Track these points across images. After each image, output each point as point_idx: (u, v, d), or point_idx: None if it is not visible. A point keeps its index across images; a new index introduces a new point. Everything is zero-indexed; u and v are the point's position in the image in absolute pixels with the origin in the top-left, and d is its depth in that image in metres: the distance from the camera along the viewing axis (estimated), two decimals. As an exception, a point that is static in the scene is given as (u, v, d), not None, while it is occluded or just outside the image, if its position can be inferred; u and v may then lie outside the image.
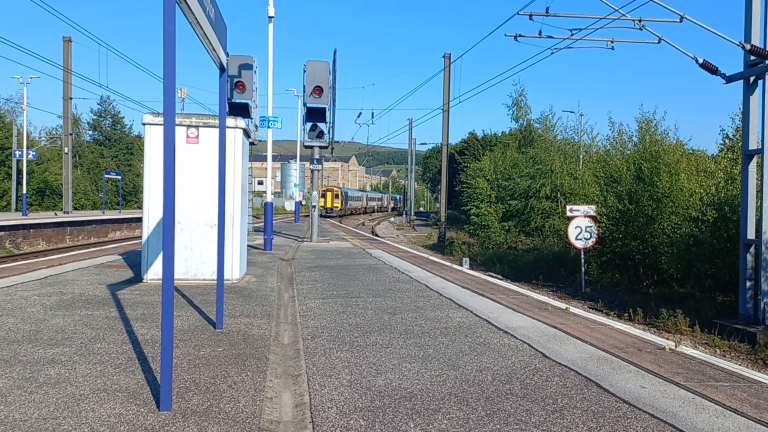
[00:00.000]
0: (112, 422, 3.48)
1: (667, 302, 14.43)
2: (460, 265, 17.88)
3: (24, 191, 35.89)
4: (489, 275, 15.17)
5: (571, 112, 44.54)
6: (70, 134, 36.99)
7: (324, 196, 64.76)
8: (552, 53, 18.77)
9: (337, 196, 69.63)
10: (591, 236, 16.92)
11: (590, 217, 17.13)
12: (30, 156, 36.46)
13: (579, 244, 17.06)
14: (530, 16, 16.81)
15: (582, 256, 17.46)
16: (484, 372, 4.75)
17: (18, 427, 3.36)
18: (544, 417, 3.78)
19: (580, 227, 16.97)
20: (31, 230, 26.93)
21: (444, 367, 4.85)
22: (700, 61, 12.32)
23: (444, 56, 35.61)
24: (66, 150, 36.28)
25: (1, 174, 45.02)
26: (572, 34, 17.94)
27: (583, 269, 17.52)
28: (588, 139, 31.75)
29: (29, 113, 40.58)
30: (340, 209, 68.08)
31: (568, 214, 17.43)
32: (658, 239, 17.49)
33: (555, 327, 6.65)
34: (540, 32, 17.52)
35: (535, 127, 36.16)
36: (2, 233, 24.52)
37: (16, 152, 37.21)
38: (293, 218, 43.85)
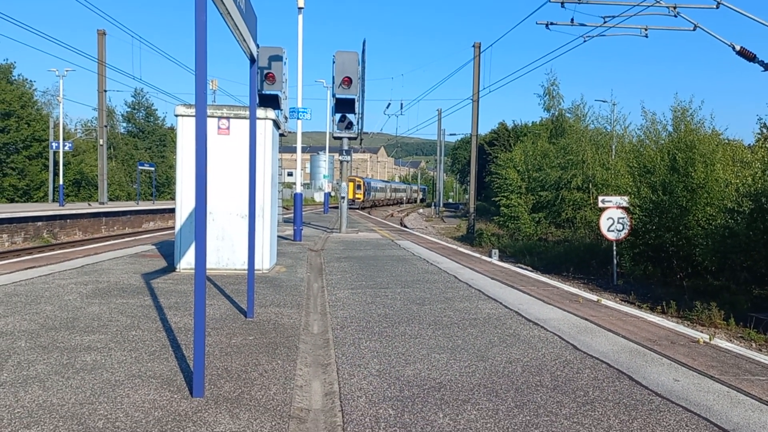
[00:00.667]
0: (146, 408, 3.55)
1: (701, 295, 14.18)
2: (489, 256, 17.79)
3: (60, 182, 36.71)
4: (519, 267, 15.06)
5: (604, 101, 43.75)
6: (105, 126, 37.67)
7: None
8: (584, 41, 18.51)
9: (359, 187, 66.52)
10: (623, 228, 16.67)
11: (623, 208, 16.87)
12: (66, 148, 37.26)
13: (611, 236, 16.83)
14: (562, 3, 16.57)
15: (614, 247, 17.23)
16: (514, 363, 4.73)
17: (55, 411, 3.45)
18: (575, 409, 3.75)
19: (613, 218, 16.73)
20: (68, 220, 27.57)
21: (473, 358, 4.84)
22: (737, 48, 12.01)
23: (474, 46, 35.29)
24: (101, 142, 36.98)
25: (39, 165, 46.13)
26: (605, 22, 17.65)
27: (615, 261, 17.29)
28: (621, 129, 31.23)
29: (65, 105, 41.47)
30: (363, 201, 65.43)
31: (600, 205, 17.19)
32: (693, 231, 17.16)
33: (586, 319, 6.58)
34: (572, 20, 17.27)
35: (567, 117, 35.70)
36: (40, 223, 25.15)
37: (53, 144, 38.08)
38: (322, 209, 44.09)
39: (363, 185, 66.92)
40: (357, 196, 64.69)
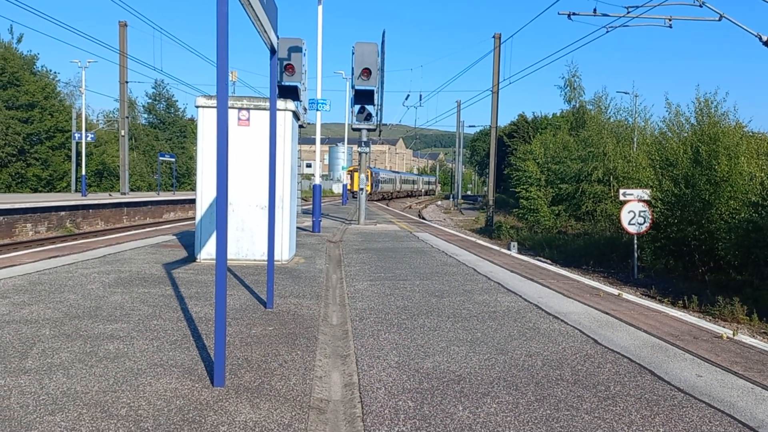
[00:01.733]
0: (168, 396, 3.59)
1: (723, 290, 13.99)
2: (508, 249, 17.70)
3: (83, 173, 37.16)
4: (538, 260, 14.98)
5: (626, 93, 43.30)
6: (127, 117, 38.04)
7: (351, 177, 57.33)
8: (607, 32, 18.30)
9: (368, 178, 65.12)
10: (645, 221, 16.48)
11: (644, 201, 16.67)
12: (88, 138, 37.68)
13: (632, 229, 16.65)
14: (584, -6, 16.34)
15: (635, 241, 17.05)
16: (534, 357, 4.70)
17: (79, 399, 3.50)
18: (596, 404, 3.72)
19: (634, 212, 16.54)
20: (90, 210, 27.92)
21: (493, 351, 4.82)
22: (765, 38, 11.77)
23: (494, 37, 35.01)
24: (122, 133, 37.36)
25: (62, 156, 46.72)
26: (628, 12, 17.42)
27: (635, 255, 17.11)
28: (642, 122, 30.83)
29: (87, 97, 41.91)
30: (370, 193, 62.26)
31: (621, 198, 17.00)
32: (715, 225, 16.92)
33: (607, 313, 6.52)
34: (595, 10, 17.07)
35: (588, 108, 35.32)
36: (63, 213, 25.50)
37: (75, 135, 38.53)
38: (341, 201, 44.16)
39: (370, 176, 61.92)
40: (366, 187, 62.84)
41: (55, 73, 59.11)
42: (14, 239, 21.72)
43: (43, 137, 46.04)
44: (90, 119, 52.53)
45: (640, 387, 4.07)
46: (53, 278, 7.50)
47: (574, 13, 17.76)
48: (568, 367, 4.48)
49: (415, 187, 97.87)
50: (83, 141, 36.97)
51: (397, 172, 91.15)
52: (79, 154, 39.42)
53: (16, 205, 22.46)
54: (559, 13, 18.41)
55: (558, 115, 49.50)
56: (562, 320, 6.08)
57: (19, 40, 48.22)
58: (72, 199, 29.28)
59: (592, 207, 28.32)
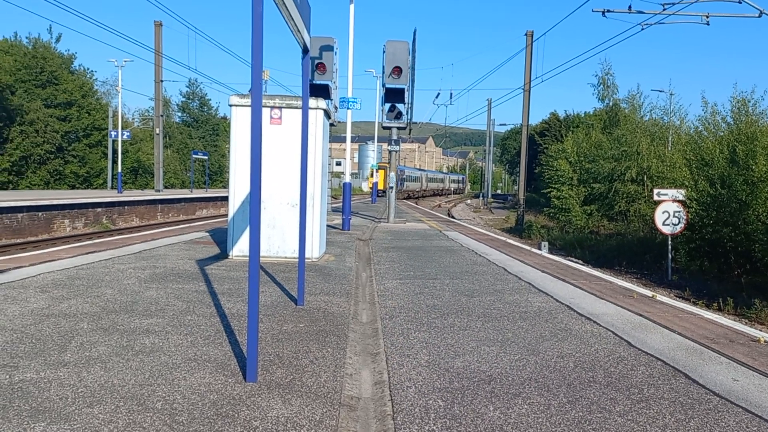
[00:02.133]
0: (202, 391, 3.65)
1: (760, 292, 13.67)
2: (539, 249, 17.54)
3: (119, 170, 37.95)
4: (569, 260, 14.82)
5: (661, 91, 42.39)
6: (161, 116, 38.72)
7: (373, 176, 53.67)
8: (642, 29, 18.00)
9: (394, 176, 61.06)
10: (679, 222, 16.18)
11: (679, 201, 16.36)
12: (124, 137, 38.44)
13: (666, 230, 16.36)
14: (619, -10, 16.10)
15: (669, 242, 16.75)
16: (566, 358, 4.66)
17: (116, 392, 3.58)
18: (629, 406, 3.68)
19: (668, 212, 16.25)
20: (126, 207, 28.48)
21: (524, 352, 4.79)
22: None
23: (526, 34, 34.72)
24: (157, 131, 38.03)
25: (98, 153, 47.75)
26: (664, 9, 17.11)
27: (669, 256, 16.81)
28: (677, 120, 30.22)
29: (123, 95, 42.73)
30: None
31: (656, 198, 16.72)
32: (752, 226, 16.51)
33: (640, 315, 6.43)
34: (630, 7, 16.81)
35: (622, 107, 34.75)
36: (99, 209, 26.07)
37: (112, 133, 39.36)
38: (370, 199, 44.26)
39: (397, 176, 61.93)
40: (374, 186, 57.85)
41: (92, 72, 60.40)
42: (52, 234, 22.28)
43: (80, 135, 47.12)
44: (126, 117, 53.57)
45: (674, 390, 4.01)
46: (91, 273, 7.68)
47: (608, 10, 17.51)
48: (601, 369, 4.43)
49: (442, 185, 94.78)
50: (119, 139, 37.73)
51: (424, 170, 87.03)
52: (115, 151, 40.24)
53: (54, 202, 23.03)
54: (593, 11, 18.18)
55: (591, 113, 48.81)
56: (594, 322, 6.01)
57: (57, 40, 49.38)
58: (108, 196, 29.90)
59: (625, 207, 27.88)
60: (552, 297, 7.30)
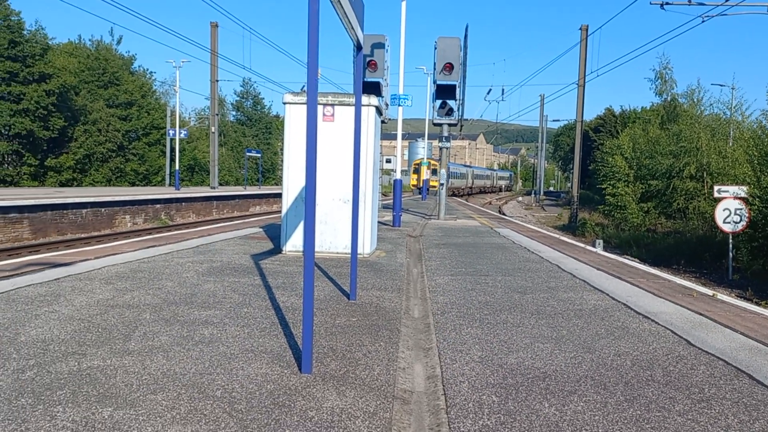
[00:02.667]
0: (259, 381, 3.74)
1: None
2: (593, 246, 17.18)
3: (176, 168, 39.05)
4: (625, 258, 14.45)
5: (722, 85, 40.99)
6: (217, 115, 39.64)
7: (417, 171, 51.52)
8: (703, 21, 17.39)
9: (434, 172, 52.65)
10: (741, 219, 15.58)
11: (740, 198, 15.75)
12: (182, 135, 39.56)
13: (727, 228, 15.78)
14: (679, -20, 15.61)
15: (730, 240, 16.15)
16: (623, 357, 4.57)
17: (178, 380, 3.71)
18: (689, 406, 3.58)
19: (729, 209, 15.67)
20: (183, 204, 29.31)
21: (579, 350, 4.72)
22: None
23: (580, 29, 34.02)
24: (213, 129, 38.97)
25: (157, 151, 49.28)
26: (727, 0, 16.46)
27: (730, 255, 16.21)
28: (740, 115, 29.03)
29: (180, 95, 43.92)
30: (436, 190, 53.65)
31: (716, 195, 16.14)
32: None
33: (700, 314, 6.23)
34: (690, -2, 16.23)
35: (680, 102, 33.66)
36: (158, 206, 26.90)
37: (170, 131, 40.54)
38: (420, 196, 44.19)
39: (439, 170, 56.25)
40: (432, 182, 50.59)
41: (151, 72, 62.35)
42: (114, 230, 23.13)
43: (140, 134, 48.72)
44: (183, 116, 55.09)
45: (737, 391, 3.89)
46: (152, 266, 7.95)
47: (667, 3, 17.00)
48: (659, 367, 4.33)
49: (490, 182, 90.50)
50: (177, 137, 38.83)
51: (469, 166, 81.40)
52: (172, 150, 41.45)
53: (116, 198, 23.89)
54: (651, 3, 17.67)
55: (648, 108, 47.43)
56: (652, 320, 5.86)
57: (118, 42, 51.17)
58: (166, 192, 30.82)
59: (683, 204, 26.99)
60: (608, 295, 7.15)
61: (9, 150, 37.83)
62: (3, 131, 37.79)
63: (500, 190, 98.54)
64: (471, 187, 72.36)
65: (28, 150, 38.78)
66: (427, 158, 54.01)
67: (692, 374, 4.20)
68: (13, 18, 37.50)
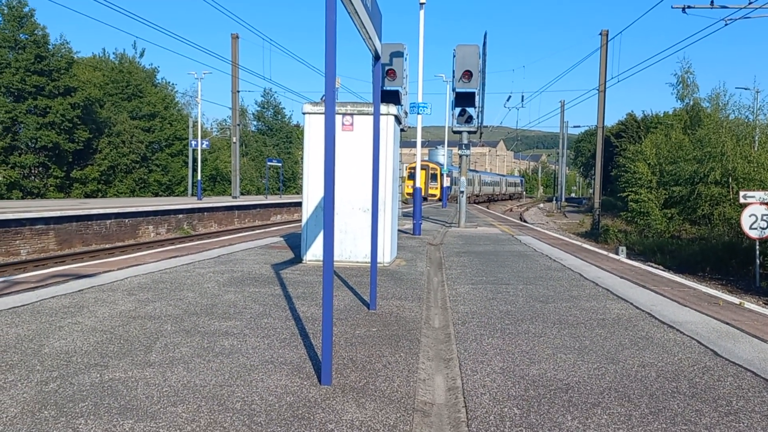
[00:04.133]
0: (279, 393, 3.74)
1: None
2: (616, 254, 16.96)
3: (199, 178, 39.46)
4: (649, 265, 14.25)
5: (746, 89, 40.13)
6: (238, 125, 40.00)
7: (412, 178, 41.93)
8: (726, 24, 17.16)
9: (434, 178, 47.93)
10: (769, 225, 15.27)
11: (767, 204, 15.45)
12: (203, 146, 39.97)
13: (754, 234, 15.48)
14: (701, -16, 15.43)
15: (757, 247, 15.83)
16: (647, 368, 4.48)
17: (198, 392, 3.72)
18: (717, 419, 3.50)
19: (756, 215, 15.37)
20: (205, 213, 29.56)
21: (602, 360, 4.64)
22: None
23: (600, 34, 33.78)
24: (234, 140, 39.30)
25: (179, 162, 49.88)
26: (750, 3, 16.24)
27: (757, 262, 15.88)
28: (765, 118, 28.52)
29: (202, 106, 44.45)
30: (438, 198, 46.63)
31: (742, 200, 15.85)
32: None
33: (727, 323, 6.10)
34: (712, 2, 16.07)
35: (704, 106, 33.17)
36: (181, 216, 27.17)
37: (192, 142, 41.03)
38: (440, 204, 44.09)
39: (439, 176, 46.62)
40: (431, 190, 46.61)
41: (173, 84, 63.15)
42: (138, 240, 23.40)
43: (163, 145, 49.38)
44: (205, 127, 55.73)
45: (766, 403, 3.78)
46: (173, 277, 8.01)
47: (689, 6, 16.81)
48: (685, 379, 4.24)
49: (498, 189, 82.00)
50: (199, 148, 39.25)
51: (476, 171, 71.74)
52: (195, 160, 41.92)
53: (140, 209, 24.17)
54: (672, 7, 17.50)
55: (670, 113, 46.84)
56: (677, 330, 5.75)
57: (141, 55, 52.05)
58: (188, 202, 31.12)
59: (708, 210, 26.55)
60: (631, 304, 7.04)
61: (35, 162, 38.53)
62: (30, 144, 38.54)
63: (509, 197, 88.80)
64: (477, 195, 64.97)
65: (54, 162, 39.46)
66: (428, 161, 48.76)
67: (719, 386, 4.11)
68: (38, 33, 38.29)
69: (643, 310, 6.66)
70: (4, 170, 36.72)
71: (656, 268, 14.61)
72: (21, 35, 37.75)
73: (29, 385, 3.76)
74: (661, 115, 53.13)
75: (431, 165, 49.36)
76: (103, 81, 46.65)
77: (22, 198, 36.77)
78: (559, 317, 6.20)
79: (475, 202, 61.32)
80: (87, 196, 41.61)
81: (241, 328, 5.30)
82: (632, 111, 67.58)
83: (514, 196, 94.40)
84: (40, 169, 39.63)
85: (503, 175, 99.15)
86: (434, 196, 46.33)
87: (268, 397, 3.66)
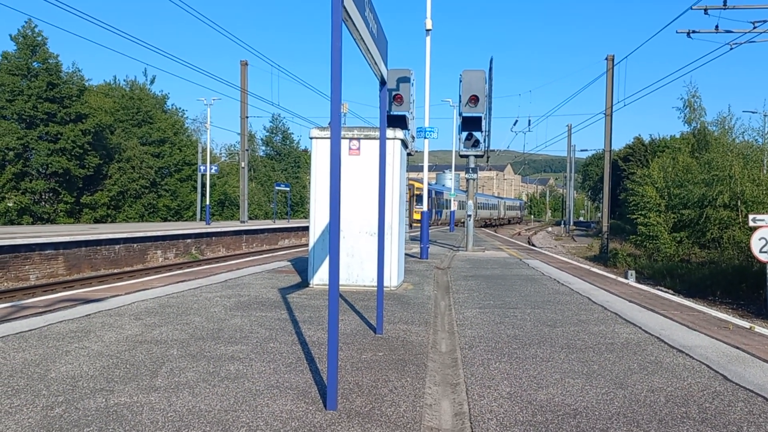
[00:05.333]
0: (284, 418, 3.72)
1: None
2: (626, 278, 16.86)
3: (207, 203, 39.68)
4: (658, 289, 14.15)
5: (753, 112, 40.26)
6: (247, 150, 40.27)
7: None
8: (731, 49, 17.24)
9: (419, 199, 39.64)
10: (780, 248, 15.13)
11: (778, 227, 15.33)
12: (212, 171, 40.28)
13: (764, 258, 15.34)
14: (705, 10, 15.58)
15: (767, 271, 15.69)
16: (656, 393, 4.43)
17: (203, 417, 3.70)
18: (728, 446, 3.44)
19: (765, 239, 15.25)
20: (213, 238, 29.65)
21: (611, 385, 4.60)
22: None
23: (606, 58, 33.98)
24: (243, 165, 39.55)
25: (188, 187, 50.22)
26: (755, 27, 16.35)
27: (769, 285, 15.73)
28: (772, 142, 28.49)
29: (211, 131, 44.86)
30: (432, 222, 41.81)
31: (751, 224, 15.76)
32: None
33: (737, 347, 6.04)
34: (717, 27, 16.18)
35: (710, 130, 33.18)
36: (189, 240, 27.26)
37: (201, 167, 41.34)
38: (448, 227, 44.05)
39: (430, 199, 39.57)
40: (415, 215, 39.70)
41: (183, 110, 63.94)
42: (146, 264, 23.46)
43: (172, 170, 49.79)
44: (214, 152, 56.19)
45: (779, 430, 3.73)
46: (180, 301, 8.02)
47: (694, 31, 16.93)
48: (695, 404, 4.18)
49: (495, 213, 74.54)
50: (208, 173, 39.55)
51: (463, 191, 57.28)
52: (203, 185, 42.16)
53: (148, 233, 24.29)
54: (677, 32, 17.62)
55: (677, 137, 46.87)
56: (686, 354, 5.69)
57: (152, 82, 52.72)
58: (197, 227, 31.24)
59: (717, 234, 26.38)
60: (640, 328, 6.98)
61: (46, 188, 38.90)
62: (41, 170, 38.95)
63: (508, 222, 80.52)
64: (475, 219, 55.80)
65: (64, 188, 39.83)
66: (414, 179, 40.11)
67: (729, 411, 4.05)
68: (51, 61, 38.94)
69: (652, 335, 6.60)
70: (15, 196, 37.07)
71: (666, 292, 14.50)
72: (34, 63, 38.41)
73: (35, 410, 3.76)
74: (669, 138, 53.22)
75: (416, 184, 40.21)
76: (113, 107, 47.28)
77: (33, 223, 37.05)
78: (567, 341, 6.15)
79: (476, 227, 52.66)
80: (97, 221, 41.89)
81: (247, 353, 5.28)
82: (639, 134, 67.77)
83: (513, 221, 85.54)
84: (51, 194, 40.00)
85: (501, 198, 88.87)
86: (417, 222, 35.59)
87: (273, 422, 3.64)
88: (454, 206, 49.26)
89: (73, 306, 7.55)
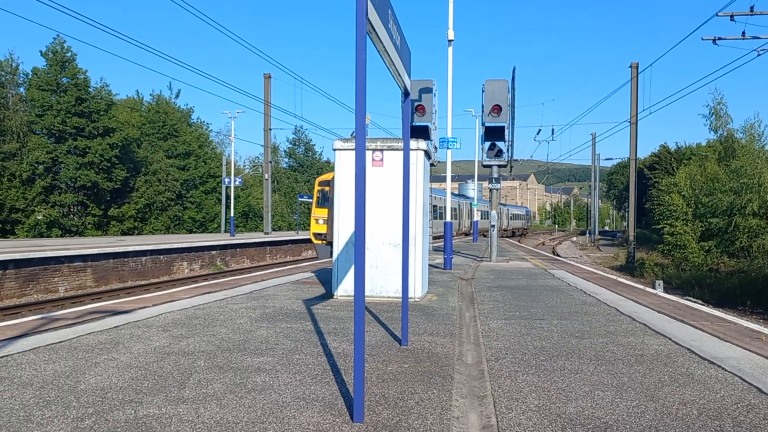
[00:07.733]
0: (311, 430, 3.71)
1: None
2: (653, 288, 16.59)
3: (231, 214, 40.05)
4: (687, 300, 13.89)
5: (783, 117, 39.52)
6: (270, 162, 40.63)
7: (322, 204, 26.66)
8: (758, 55, 16.99)
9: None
10: (813, 257, 14.80)
11: (812, 235, 15.00)
12: (236, 183, 40.68)
13: (798, 267, 15.00)
14: (731, 16, 15.38)
15: (802, 280, 15.34)
16: (689, 405, 4.34)
17: (231, 428, 3.72)
18: (765, 461, 3.36)
19: (799, 247, 14.93)
20: (238, 249, 29.89)
21: (641, 398, 4.51)
22: None
23: (631, 66, 33.70)
24: (266, 176, 39.88)
25: (213, 199, 50.77)
26: (784, 31, 16.06)
27: (803, 295, 15.36)
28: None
29: (235, 144, 45.37)
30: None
31: (784, 232, 15.44)
32: None
33: (772, 360, 5.89)
34: (743, 33, 15.97)
35: (738, 137, 32.65)
36: (214, 252, 27.51)
37: (225, 180, 41.79)
38: (471, 238, 43.85)
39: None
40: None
41: (207, 123, 64.77)
42: (172, 276, 23.72)
43: (197, 182, 50.41)
44: (238, 165, 56.84)
45: (817, 445, 3.62)
46: (206, 313, 8.09)
47: (719, 38, 16.72)
48: (729, 417, 4.09)
49: (499, 224, 57.81)
50: (232, 185, 39.96)
51: (465, 197, 55.50)
52: (228, 197, 42.59)
53: (174, 245, 24.57)
54: (702, 39, 17.42)
55: (704, 145, 46.18)
56: (719, 366, 5.57)
57: (177, 95, 53.55)
58: (222, 239, 31.52)
59: (747, 242, 25.90)
60: (670, 339, 6.86)
61: (75, 201, 39.61)
62: (69, 183, 39.70)
63: (512, 234, 69.95)
64: (468, 229, 51.10)
65: (92, 201, 40.53)
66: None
67: (765, 425, 3.95)
68: (80, 76, 39.77)
69: (683, 346, 6.48)
70: (45, 209, 37.80)
71: (694, 302, 14.24)
72: (63, 79, 39.26)
73: (65, 422, 3.81)
74: (695, 146, 52.44)
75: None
76: (140, 121, 48.11)
77: (62, 236, 37.72)
78: (595, 353, 6.06)
79: (467, 235, 50.54)
80: (124, 233, 42.51)
81: (273, 364, 5.30)
82: (665, 142, 66.81)
83: (517, 233, 73.63)
84: (79, 207, 40.71)
85: (503, 205, 70.92)
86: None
87: (300, 434, 3.64)
88: (476, 216, 48.99)
89: (102, 318, 7.65)
